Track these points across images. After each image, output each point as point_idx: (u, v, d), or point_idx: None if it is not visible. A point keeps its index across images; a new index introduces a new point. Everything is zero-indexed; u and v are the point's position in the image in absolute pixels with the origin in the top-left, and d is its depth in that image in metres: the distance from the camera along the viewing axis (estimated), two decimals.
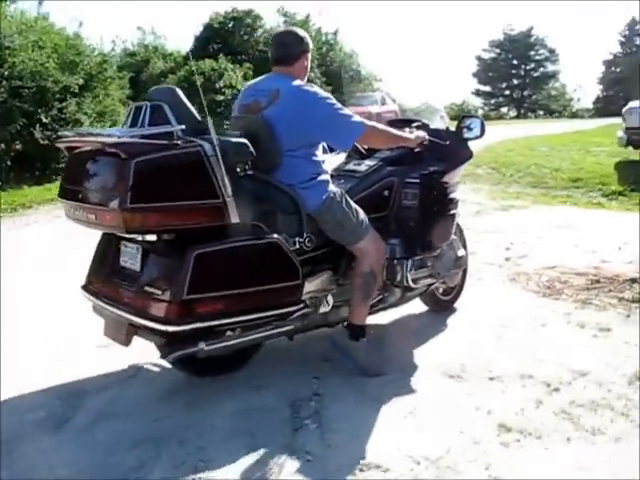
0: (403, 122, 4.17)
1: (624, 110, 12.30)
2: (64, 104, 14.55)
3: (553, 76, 56.30)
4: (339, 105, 3.34)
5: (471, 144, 4.16)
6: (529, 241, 6.65)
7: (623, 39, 50.39)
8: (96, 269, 3.43)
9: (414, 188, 3.78)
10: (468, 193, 9.71)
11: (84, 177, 3.03)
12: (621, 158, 12.28)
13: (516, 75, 55.77)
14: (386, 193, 3.78)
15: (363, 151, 4.01)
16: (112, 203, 2.74)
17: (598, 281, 5.29)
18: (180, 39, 37.78)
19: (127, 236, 3.20)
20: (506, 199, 9.23)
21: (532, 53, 55.21)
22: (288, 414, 3.28)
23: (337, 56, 28.92)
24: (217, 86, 20.71)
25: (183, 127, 2.98)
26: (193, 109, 3.21)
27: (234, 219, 2.90)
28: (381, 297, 3.88)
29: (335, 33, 31.22)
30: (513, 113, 51.51)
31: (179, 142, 2.91)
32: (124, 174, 2.71)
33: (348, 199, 3.43)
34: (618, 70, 49.41)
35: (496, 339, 4.17)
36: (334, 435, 3.05)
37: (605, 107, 39.61)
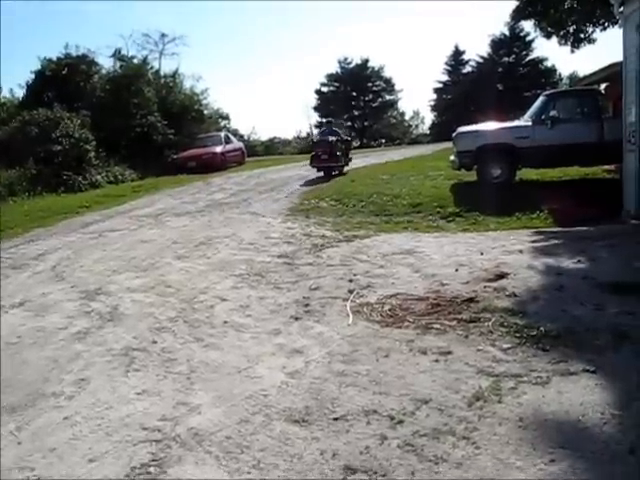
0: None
1: (454, 135, 12.97)
2: None
3: (391, 105, 58.94)
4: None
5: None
6: (372, 271, 6.75)
7: (450, 68, 53.80)
8: (314, 161, 17.51)
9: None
10: (312, 227, 9.83)
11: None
12: (456, 180, 12.89)
13: (356, 106, 57.84)
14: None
15: None
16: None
17: (438, 304, 5.45)
18: (15, 86, 35.73)
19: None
20: (350, 230, 9.37)
21: (369, 85, 57.44)
22: None
23: (177, 98, 28.43)
24: (53, 136, 19.78)
25: None
26: None
27: None
28: None
29: (174, 75, 30.87)
30: (356, 143, 53.11)
31: None
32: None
33: None
34: (448, 97, 52.60)
35: (340, 376, 4.14)
36: None
37: (440, 132, 41.74)
